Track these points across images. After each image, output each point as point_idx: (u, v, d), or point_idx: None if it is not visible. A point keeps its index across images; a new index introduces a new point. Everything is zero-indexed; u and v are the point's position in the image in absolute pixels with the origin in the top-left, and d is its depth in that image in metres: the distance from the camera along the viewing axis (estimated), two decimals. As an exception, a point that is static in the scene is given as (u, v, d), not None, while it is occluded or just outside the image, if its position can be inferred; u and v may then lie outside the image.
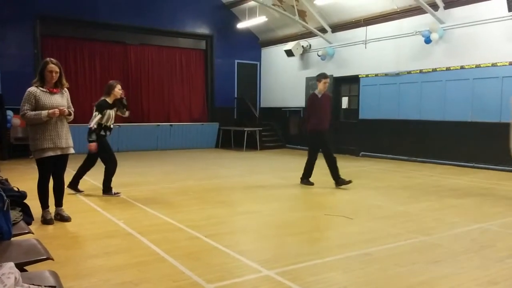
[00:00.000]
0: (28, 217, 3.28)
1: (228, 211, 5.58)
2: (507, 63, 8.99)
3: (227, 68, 15.42)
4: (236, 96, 15.75)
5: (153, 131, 13.73)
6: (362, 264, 3.58)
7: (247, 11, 14.12)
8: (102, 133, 6.32)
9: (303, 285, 3.13)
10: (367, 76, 12.01)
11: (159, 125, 13.89)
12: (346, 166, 10.26)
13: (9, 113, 11.04)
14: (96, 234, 4.45)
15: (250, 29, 15.33)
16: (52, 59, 4.72)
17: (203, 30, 14.88)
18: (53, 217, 4.88)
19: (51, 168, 4.81)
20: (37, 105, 4.57)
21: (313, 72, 13.85)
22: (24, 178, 7.88)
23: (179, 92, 14.72)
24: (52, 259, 2.45)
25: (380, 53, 11.68)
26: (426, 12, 10.11)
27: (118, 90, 6.37)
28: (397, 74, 11.23)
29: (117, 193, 6.37)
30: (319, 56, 13.33)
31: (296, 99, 14.38)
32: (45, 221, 4.80)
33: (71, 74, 12.78)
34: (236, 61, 15.64)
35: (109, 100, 6.34)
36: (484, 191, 6.92)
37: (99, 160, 6.54)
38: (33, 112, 4.54)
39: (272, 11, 12.95)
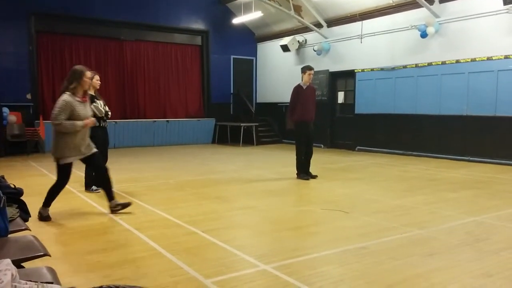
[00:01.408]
0: (25, 213, 3.28)
1: (225, 207, 5.60)
2: (502, 57, 9.02)
3: (223, 63, 15.39)
4: (232, 91, 15.73)
5: (150, 127, 13.71)
6: (358, 257, 3.61)
7: (242, 6, 14.07)
8: (96, 123, 6.28)
9: (300, 279, 3.15)
10: (363, 70, 12.02)
11: (155, 121, 13.87)
12: (343, 160, 10.31)
13: (5, 110, 11.00)
14: (93, 230, 4.45)
15: (245, 24, 15.29)
16: (85, 67, 4.84)
17: (199, 25, 14.83)
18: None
19: (70, 173, 4.92)
20: (72, 115, 4.64)
21: (309, 67, 13.86)
22: (21, 175, 7.88)
23: (175, 88, 14.69)
24: (49, 255, 2.46)
25: (375, 48, 11.69)
26: (422, 6, 10.12)
27: (96, 81, 6.25)
28: (393, 69, 11.25)
29: (97, 189, 6.32)
30: (315, 51, 13.32)
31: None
32: (42, 217, 4.80)
33: (67, 70, 12.67)
34: (232, 56, 15.61)
35: (90, 92, 6.28)
36: (479, 185, 6.97)
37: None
38: (69, 122, 4.62)
39: (267, 6, 12.92)
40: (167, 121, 14.10)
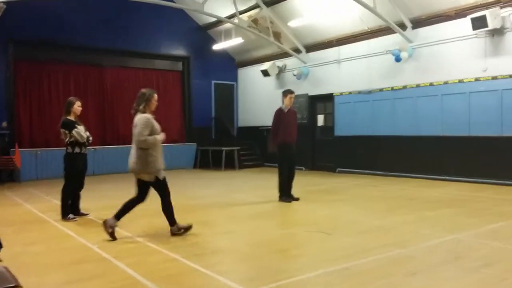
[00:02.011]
0: (-3, 244, 3.16)
1: (207, 231, 5.52)
2: (473, 79, 9.36)
3: (204, 88, 15.48)
4: (213, 116, 15.77)
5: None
6: (341, 278, 3.59)
7: (223, 33, 14.31)
8: (77, 150, 6.20)
9: (282, 303, 3.10)
10: (341, 94, 12.27)
11: (135, 147, 13.70)
12: (324, 182, 10.37)
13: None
14: (69, 260, 4.31)
15: (226, 50, 15.52)
16: (153, 90, 5.29)
17: (180, 51, 14.96)
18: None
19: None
20: (152, 131, 5.01)
21: (289, 91, 14.06)
22: (-5, 205, 7.63)
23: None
24: (21, 286, 2.37)
25: (353, 72, 11.98)
26: (395, 32, 10.48)
27: (77, 107, 6.28)
28: (370, 92, 11.52)
29: (74, 217, 6.18)
30: (294, 75, 13.56)
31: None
32: (186, 228, 5.13)
33: (45, 97, 12.59)
34: (213, 81, 15.74)
35: (71, 118, 6.25)
36: (457, 203, 7.09)
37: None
38: (152, 137, 4.96)
39: (247, 33, 13.17)
40: (148, 146, 13.96)
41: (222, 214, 6.74)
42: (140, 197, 5.14)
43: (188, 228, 5.16)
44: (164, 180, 5.08)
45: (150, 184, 5.06)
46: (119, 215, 5.11)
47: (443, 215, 6.18)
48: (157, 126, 5.10)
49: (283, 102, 7.81)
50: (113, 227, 5.02)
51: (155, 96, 5.16)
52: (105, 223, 5.03)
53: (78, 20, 12.76)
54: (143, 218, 6.40)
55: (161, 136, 5.09)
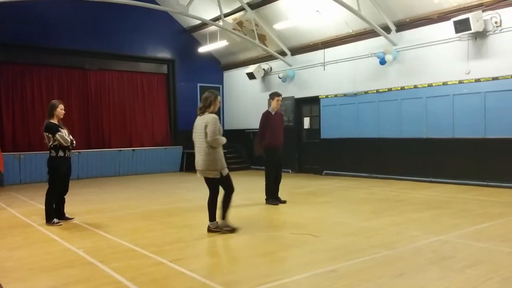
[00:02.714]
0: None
1: (194, 235, 5.48)
2: (457, 82, 9.52)
3: (189, 91, 15.40)
4: (199, 119, 15.67)
5: (115, 157, 13.39)
6: (329, 281, 3.60)
7: (208, 35, 14.28)
8: (61, 153, 6.09)
9: (271, 306, 3.09)
10: (326, 96, 12.35)
11: (121, 150, 13.58)
12: (311, 185, 10.40)
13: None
14: (54, 265, 4.22)
15: (211, 53, 15.48)
16: (218, 92, 5.60)
17: (165, 54, 14.87)
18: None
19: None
20: (218, 130, 5.31)
21: (275, 94, 14.09)
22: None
23: (141, 116, 14.52)
24: (5, 292, 2.31)
25: (338, 75, 12.07)
26: (380, 35, 10.60)
27: (60, 110, 6.20)
28: (355, 94, 11.62)
29: (59, 222, 6.09)
30: (280, 78, 13.60)
31: (259, 120, 14.47)
32: (232, 229, 5.33)
33: (28, 100, 12.38)
34: (199, 84, 15.67)
35: (54, 121, 6.15)
36: (442, 204, 7.18)
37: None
38: (220, 137, 5.32)
39: (232, 35, 13.17)
40: (133, 150, 13.84)
41: (208, 217, 6.67)
42: (214, 193, 5.44)
43: (232, 230, 5.35)
44: (228, 176, 5.39)
45: (216, 180, 5.34)
46: (212, 217, 5.46)
47: (428, 216, 6.24)
48: (220, 127, 5.44)
49: (270, 105, 7.82)
50: (227, 226, 5.38)
51: (218, 98, 5.50)
52: (218, 228, 5.39)
53: (61, 23, 12.59)
54: (129, 222, 6.34)
55: (225, 139, 5.48)
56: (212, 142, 5.22)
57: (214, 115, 5.33)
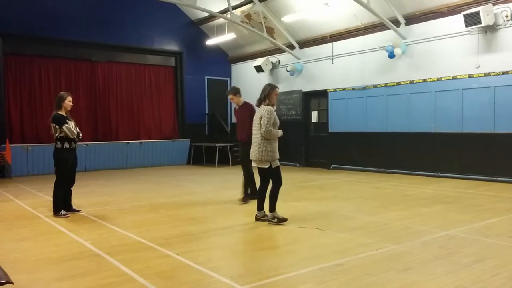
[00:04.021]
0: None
1: (200, 228, 5.50)
2: (466, 76, 9.40)
3: (197, 84, 15.40)
4: (207, 112, 15.72)
5: (123, 149, 13.46)
6: (335, 275, 3.59)
7: (216, 28, 14.23)
8: (67, 145, 6.13)
9: (276, 299, 3.09)
10: (335, 90, 12.27)
11: (128, 143, 13.64)
12: (318, 178, 10.38)
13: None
14: (61, 257, 4.26)
15: (219, 45, 15.44)
16: (274, 85, 5.63)
17: (172, 47, 14.86)
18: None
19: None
20: (274, 122, 5.42)
21: (282, 88, 14.00)
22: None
23: (148, 109, 14.56)
24: (11, 282, 2.34)
25: (346, 68, 11.98)
26: (389, 28, 10.49)
27: (68, 102, 6.22)
28: (364, 88, 11.53)
29: (66, 214, 6.14)
30: (288, 71, 13.53)
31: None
32: (280, 220, 5.41)
33: (36, 92, 12.45)
34: (206, 77, 15.67)
35: (62, 113, 6.18)
36: (450, 199, 7.13)
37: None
38: (275, 130, 5.42)
39: (240, 28, 13.11)
40: (141, 142, 13.90)
41: (215, 210, 6.72)
42: (265, 184, 5.57)
43: (282, 220, 5.44)
44: (277, 168, 5.47)
45: (266, 171, 5.45)
46: (260, 206, 5.65)
47: (436, 211, 6.20)
48: (276, 120, 5.49)
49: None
50: (275, 217, 5.50)
51: (275, 90, 5.51)
52: (259, 219, 5.63)
53: (69, 14, 12.63)
54: (136, 214, 6.38)
55: (282, 132, 5.54)
56: (265, 133, 5.34)
57: (269, 108, 5.43)
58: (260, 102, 5.55)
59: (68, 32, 12.58)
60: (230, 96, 7.48)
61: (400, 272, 3.64)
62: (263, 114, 5.39)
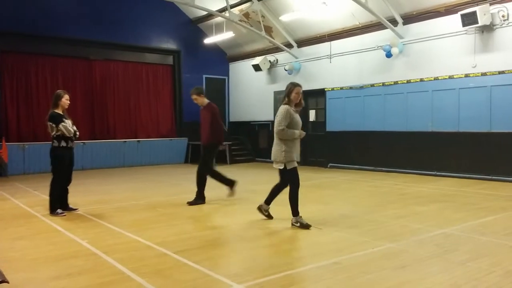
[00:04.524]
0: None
1: (197, 226, 5.50)
2: (463, 75, 9.43)
3: (195, 83, 15.28)
4: (204, 111, 15.68)
5: (120, 148, 13.44)
6: (331, 273, 3.60)
7: (214, 26, 14.22)
8: (63, 144, 6.12)
9: (273, 297, 3.10)
10: (332, 89, 12.29)
11: (126, 141, 13.63)
12: (315, 177, 10.39)
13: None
14: (57, 255, 4.26)
15: (217, 44, 15.42)
16: (296, 83, 5.36)
17: (170, 45, 14.84)
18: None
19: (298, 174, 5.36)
20: (291, 123, 5.18)
21: (280, 86, 14.04)
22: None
23: (146, 107, 14.54)
24: (7, 281, 2.34)
25: (344, 67, 12.00)
26: (386, 28, 10.51)
27: (65, 101, 6.21)
28: (361, 87, 11.55)
29: (63, 213, 6.13)
30: (286, 70, 13.54)
31: (265, 113, 14.51)
32: (303, 225, 5.16)
33: (32, 90, 12.41)
34: (204, 76, 15.65)
35: (58, 111, 6.17)
36: (446, 198, 7.16)
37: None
38: (290, 130, 5.17)
39: (239, 26, 13.10)
40: (138, 141, 13.88)
41: (212, 209, 6.72)
42: (283, 183, 5.47)
43: (305, 226, 5.16)
44: (293, 170, 5.25)
45: (281, 172, 5.31)
46: (268, 200, 5.60)
47: (432, 210, 6.23)
48: (296, 119, 5.26)
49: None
50: (267, 210, 5.61)
51: (296, 89, 5.26)
52: (259, 208, 5.64)
53: (66, 12, 12.59)
54: (133, 213, 6.38)
55: (299, 133, 5.26)
56: (277, 133, 5.20)
57: (285, 107, 5.21)
58: (281, 101, 5.34)
59: (66, 30, 12.54)
60: (193, 97, 7.10)
61: (396, 270, 3.66)
62: (277, 114, 5.25)
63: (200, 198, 6.94)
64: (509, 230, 4.95)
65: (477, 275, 3.50)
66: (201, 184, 6.98)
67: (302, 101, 5.39)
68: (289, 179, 5.33)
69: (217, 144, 7.15)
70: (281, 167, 5.25)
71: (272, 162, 5.40)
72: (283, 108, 5.22)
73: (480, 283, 3.33)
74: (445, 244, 4.43)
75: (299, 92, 5.27)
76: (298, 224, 5.22)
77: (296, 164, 5.29)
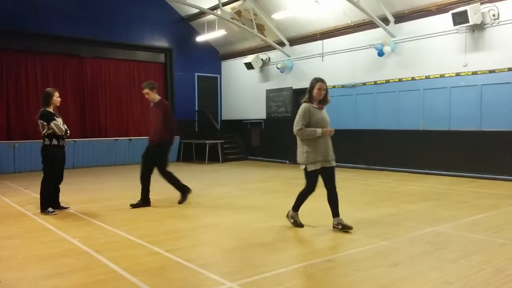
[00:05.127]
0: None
1: (190, 225, 5.49)
2: (454, 74, 9.51)
3: (187, 81, 15.33)
4: (197, 109, 15.65)
5: (111, 146, 13.34)
6: (324, 271, 3.61)
7: (206, 24, 14.16)
8: (55, 142, 6.06)
9: (266, 295, 3.11)
10: (324, 87, 12.29)
11: (117, 139, 13.53)
12: (307, 176, 10.40)
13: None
14: (49, 254, 4.22)
15: (209, 42, 15.37)
16: (319, 78, 5.02)
17: (162, 43, 14.75)
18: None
19: (317, 180, 5.03)
20: (311, 121, 4.87)
21: (272, 85, 14.06)
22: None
23: (138, 105, 14.44)
24: (-1, 281, 2.30)
25: (336, 66, 12.02)
26: (378, 27, 10.55)
27: (56, 98, 6.16)
28: (353, 86, 11.59)
29: (54, 211, 6.08)
30: (278, 68, 13.54)
31: (257, 111, 14.50)
32: (296, 224, 5.08)
33: (22, 88, 12.27)
34: (196, 74, 15.60)
35: (49, 109, 6.11)
36: (437, 196, 7.22)
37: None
38: (309, 129, 4.86)
39: (231, 25, 13.07)
40: (130, 139, 13.79)
41: (205, 207, 6.71)
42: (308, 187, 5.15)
43: (299, 225, 5.06)
44: (312, 173, 4.95)
45: (304, 172, 5.00)
46: (296, 207, 5.23)
47: (424, 208, 6.28)
48: (319, 117, 4.92)
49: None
50: (293, 217, 5.17)
51: (318, 84, 4.94)
52: (287, 216, 5.26)
53: (57, 9, 12.45)
54: (125, 211, 6.34)
55: (322, 130, 4.87)
56: (296, 133, 4.96)
57: (304, 105, 4.94)
58: (302, 99, 5.05)
59: (56, 27, 12.40)
60: (145, 91, 6.69)
61: (388, 268, 3.68)
62: (297, 112, 4.98)
63: (144, 201, 6.54)
64: (500, 228, 5.00)
65: (468, 273, 3.53)
66: (173, 183, 6.68)
67: (328, 97, 5.04)
68: (306, 181, 5.05)
69: (170, 143, 6.77)
70: (303, 168, 5.00)
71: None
72: (301, 106, 4.95)
73: (471, 280, 3.36)
74: (437, 242, 4.46)
75: (322, 87, 4.92)
76: (292, 220, 5.16)
77: (318, 167, 4.93)
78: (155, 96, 6.77)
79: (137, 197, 6.75)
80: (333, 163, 5.10)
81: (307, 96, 4.98)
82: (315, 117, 4.90)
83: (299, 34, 12.91)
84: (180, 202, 6.79)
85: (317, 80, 4.98)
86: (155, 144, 6.61)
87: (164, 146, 6.72)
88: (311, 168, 4.93)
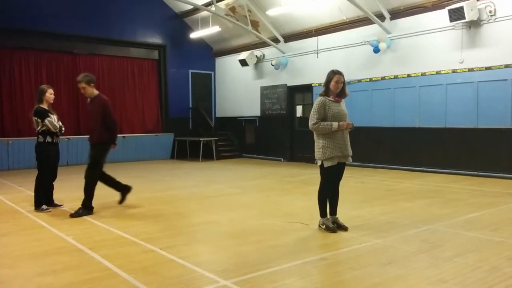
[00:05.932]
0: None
1: (184, 223, 5.46)
2: (450, 71, 9.51)
3: (181, 78, 15.25)
4: (191, 106, 15.59)
5: (105, 143, 13.23)
6: (318, 269, 3.60)
7: (200, 21, 14.07)
8: (49, 139, 6.00)
9: (261, 294, 3.09)
10: (319, 84, 12.26)
11: (111, 136, 13.42)
12: (302, 173, 10.41)
13: None
14: (42, 252, 4.18)
15: (203, 39, 15.28)
16: (337, 70, 4.81)
17: (156, 40, 14.66)
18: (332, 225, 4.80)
19: (334, 176, 4.82)
20: (327, 114, 4.69)
21: (267, 82, 14.02)
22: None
23: (131, 103, 14.36)
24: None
25: (331, 62, 11.93)
26: (374, 23, 10.53)
27: (50, 95, 6.09)
28: (348, 83, 11.51)
29: (48, 208, 6.03)
30: (272, 65, 13.49)
31: (251, 108, 14.46)
32: (328, 228, 4.72)
33: (16, 85, 12.15)
34: (190, 71, 15.52)
35: (44, 106, 6.04)
36: (433, 194, 7.23)
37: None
38: (325, 123, 4.67)
39: (225, 21, 12.99)
40: (124, 136, 13.68)
41: (199, 205, 6.67)
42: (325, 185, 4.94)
43: (331, 230, 4.71)
44: (328, 170, 4.74)
45: (320, 169, 4.81)
46: (331, 211, 4.95)
47: (419, 206, 6.28)
48: (336, 110, 4.72)
49: None
50: (324, 223, 4.83)
51: (336, 77, 4.73)
52: (319, 225, 4.91)
53: (50, 6, 12.33)
54: (119, 209, 6.30)
55: (338, 124, 4.66)
56: (311, 127, 4.76)
57: (319, 99, 4.76)
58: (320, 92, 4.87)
59: (50, 24, 12.27)
60: (82, 85, 5.98)
61: (383, 266, 3.67)
62: (312, 106, 4.79)
63: (87, 208, 5.87)
64: (496, 226, 5.01)
65: (464, 271, 3.53)
66: (89, 192, 5.97)
67: (346, 91, 4.87)
68: (321, 177, 4.84)
69: (109, 144, 6.26)
70: (319, 164, 4.79)
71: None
72: (316, 100, 4.78)
73: (467, 279, 3.36)
74: (432, 239, 4.46)
75: (339, 80, 4.72)
76: (324, 227, 4.81)
77: (335, 162, 4.72)
78: (92, 91, 6.06)
79: (129, 196, 6.69)
80: (350, 159, 4.93)
81: (323, 89, 4.81)
82: (332, 110, 4.71)
83: (294, 30, 12.86)
84: (75, 213, 5.78)
85: (335, 73, 4.78)
86: (95, 144, 6.14)
87: (103, 147, 6.21)
88: (327, 164, 4.72)
